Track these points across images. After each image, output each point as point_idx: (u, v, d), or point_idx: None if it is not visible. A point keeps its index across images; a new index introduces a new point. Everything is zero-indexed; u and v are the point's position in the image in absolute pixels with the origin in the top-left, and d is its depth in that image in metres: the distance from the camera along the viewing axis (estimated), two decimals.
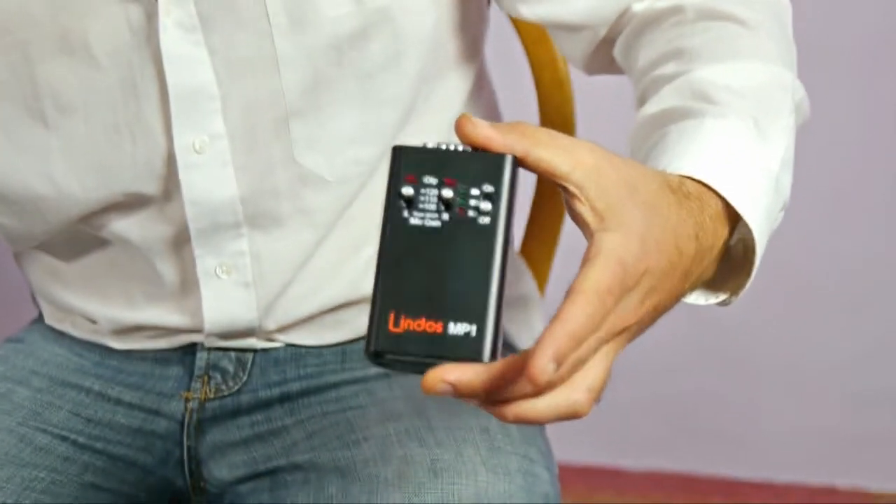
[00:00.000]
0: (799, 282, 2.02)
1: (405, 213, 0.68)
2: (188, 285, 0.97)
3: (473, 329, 0.66)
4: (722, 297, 0.80)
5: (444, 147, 0.69)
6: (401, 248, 0.68)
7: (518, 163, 0.68)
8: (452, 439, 0.93)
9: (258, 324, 0.98)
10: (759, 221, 0.77)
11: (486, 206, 0.67)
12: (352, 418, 0.98)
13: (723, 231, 0.75)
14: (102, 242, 0.97)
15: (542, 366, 0.63)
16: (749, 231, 0.77)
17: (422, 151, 0.69)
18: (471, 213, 0.67)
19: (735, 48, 0.87)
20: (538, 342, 0.63)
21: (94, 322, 1.02)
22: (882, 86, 1.91)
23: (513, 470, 0.94)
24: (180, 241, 0.95)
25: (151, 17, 0.86)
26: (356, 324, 1.02)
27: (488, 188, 0.68)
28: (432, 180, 0.68)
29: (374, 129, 0.95)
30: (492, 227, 0.67)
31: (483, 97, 1.05)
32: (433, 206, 0.68)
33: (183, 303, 0.98)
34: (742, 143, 0.79)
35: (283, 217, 0.95)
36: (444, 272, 0.67)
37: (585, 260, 0.67)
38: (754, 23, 0.89)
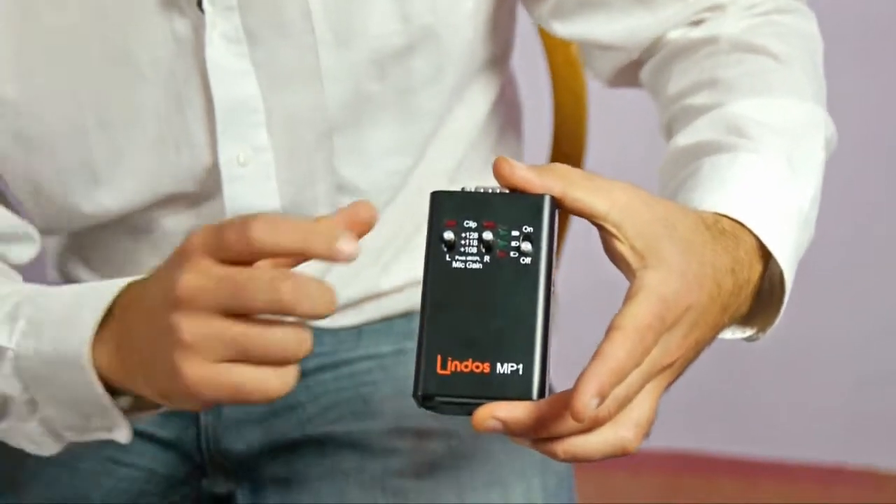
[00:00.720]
0: (808, 263, 2.02)
1: (447, 258, 0.68)
2: None
3: (521, 368, 0.67)
4: (749, 332, 0.81)
5: (482, 190, 0.69)
6: (444, 292, 0.68)
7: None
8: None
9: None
10: (790, 260, 0.78)
11: (526, 246, 0.68)
12: (366, 394, 0.99)
13: (758, 266, 0.76)
14: (131, 229, 0.97)
15: (585, 402, 0.64)
16: (779, 268, 0.77)
17: (460, 196, 0.69)
18: (512, 255, 0.68)
19: (769, 83, 0.87)
20: (580, 379, 0.64)
21: None
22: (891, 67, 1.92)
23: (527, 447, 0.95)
24: None
25: (198, 29, 0.86)
26: (373, 311, 1.03)
27: (528, 229, 0.68)
28: (472, 224, 0.69)
29: (410, 140, 0.95)
30: (534, 266, 0.68)
31: (506, 98, 1.05)
32: (474, 249, 0.68)
33: None
34: (775, 180, 0.80)
35: None
36: (489, 313, 0.68)
37: (627, 297, 0.68)
38: (788, 57, 0.89)
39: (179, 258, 0.69)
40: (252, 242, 0.66)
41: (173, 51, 0.87)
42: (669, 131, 0.92)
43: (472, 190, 0.69)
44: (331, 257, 0.66)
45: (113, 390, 0.77)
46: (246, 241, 0.66)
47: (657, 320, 0.67)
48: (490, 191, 0.69)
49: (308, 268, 0.99)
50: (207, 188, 0.92)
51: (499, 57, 1.00)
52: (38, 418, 0.82)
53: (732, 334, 0.80)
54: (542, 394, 0.67)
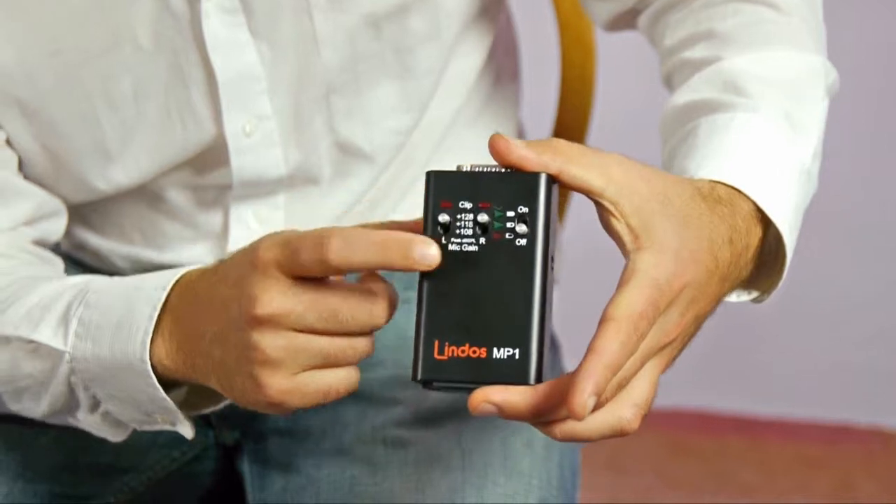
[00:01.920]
0: (816, 221, 2.02)
1: (443, 240, 0.68)
2: (217, 231, 0.98)
3: (517, 352, 0.67)
4: (754, 294, 0.81)
5: (477, 169, 0.68)
6: (441, 276, 0.68)
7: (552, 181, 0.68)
8: None
9: None
10: (791, 222, 0.77)
11: (521, 228, 0.67)
12: None
13: (756, 231, 0.76)
14: (138, 196, 0.97)
15: (583, 402, 0.64)
16: (779, 231, 0.77)
17: (456, 176, 0.69)
18: (507, 236, 0.67)
19: (767, 35, 0.87)
20: (576, 377, 0.65)
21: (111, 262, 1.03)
22: None
23: None
24: (216, 196, 0.96)
25: (192, 2, 0.86)
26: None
27: (523, 209, 0.67)
28: (467, 205, 0.68)
29: (410, 99, 0.95)
30: (529, 248, 0.67)
31: (502, 45, 1.05)
32: (469, 231, 0.68)
33: (209, 247, 0.99)
34: (774, 140, 0.79)
35: (320, 179, 0.96)
36: (485, 297, 0.67)
37: (621, 282, 0.67)
38: (786, 6, 0.88)
39: (251, 272, 0.71)
40: (329, 263, 0.68)
41: (171, 26, 0.87)
42: (669, 83, 0.92)
43: (468, 169, 0.69)
44: (409, 267, 0.68)
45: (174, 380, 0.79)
46: (323, 263, 0.68)
47: (651, 307, 0.67)
48: (486, 169, 0.68)
49: (312, 224, 0.99)
50: (214, 157, 0.93)
51: (491, 4, 1.00)
52: (101, 412, 0.84)
53: (738, 297, 0.80)
54: (538, 378, 0.67)
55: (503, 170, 0.68)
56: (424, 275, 0.68)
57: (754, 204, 0.76)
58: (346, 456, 0.95)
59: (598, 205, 0.69)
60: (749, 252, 0.75)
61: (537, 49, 1.24)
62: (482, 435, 0.92)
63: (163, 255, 0.99)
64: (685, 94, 0.85)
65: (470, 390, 0.67)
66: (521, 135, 1.10)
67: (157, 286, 0.79)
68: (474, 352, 0.67)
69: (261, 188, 0.95)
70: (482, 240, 0.68)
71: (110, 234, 1.01)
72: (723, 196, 0.74)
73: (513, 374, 0.67)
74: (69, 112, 0.90)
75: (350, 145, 0.95)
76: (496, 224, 0.68)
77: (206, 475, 1.05)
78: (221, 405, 0.83)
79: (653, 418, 2.33)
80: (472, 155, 1.00)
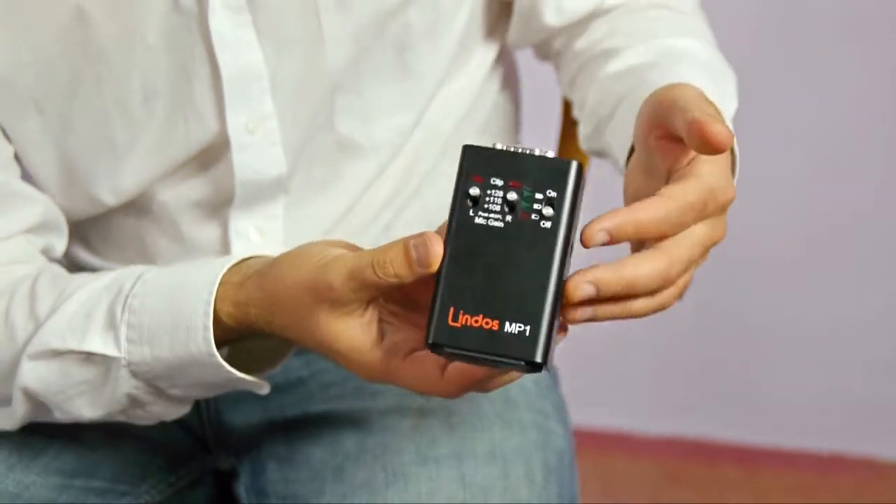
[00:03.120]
0: (812, 248, 2.02)
1: (471, 212, 0.70)
2: (216, 248, 0.98)
3: (528, 329, 0.69)
4: None
5: (512, 149, 0.70)
6: (465, 246, 0.70)
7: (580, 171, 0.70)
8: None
9: None
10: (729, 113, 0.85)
11: (548, 211, 0.69)
12: None
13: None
14: (133, 208, 0.97)
15: (592, 231, 0.69)
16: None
17: (490, 152, 0.70)
18: (533, 217, 0.69)
19: (689, 28, 0.94)
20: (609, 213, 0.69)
21: None
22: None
23: (528, 424, 0.96)
24: (215, 205, 0.96)
25: (200, 0, 0.87)
26: None
27: (552, 193, 0.69)
28: (498, 181, 0.70)
29: (410, 97, 0.96)
30: (553, 230, 0.69)
31: (505, 60, 1.06)
32: (497, 207, 0.70)
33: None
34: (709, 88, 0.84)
35: (318, 183, 0.97)
36: (505, 272, 0.69)
37: (674, 178, 0.72)
38: (689, 10, 0.96)
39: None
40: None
41: (178, 23, 0.87)
42: (578, 78, 0.97)
43: (503, 148, 0.70)
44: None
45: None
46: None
47: (700, 203, 0.70)
48: (521, 150, 0.70)
49: (306, 236, 1.00)
50: (212, 157, 0.93)
51: (495, 23, 1.01)
52: (164, 399, 0.86)
53: None
54: (544, 358, 0.69)
55: (537, 152, 0.70)
56: (448, 242, 0.70)
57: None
58: (346, 483, 0.94)
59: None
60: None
61: (538, 64, 1.24)
62: (483, 468, 0.92)
63: None
64: (618, 63, 0.91)
65: (476, 362, 0.70)
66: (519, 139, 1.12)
67: (204, 282, 0.81)
68: (487, 323, 0.69)
69: (261, 192, 0.95)
70: (508, 217, 0.69)
71: (108, 255, 1.01)
72: None
73: (520, 349, 0.68)
74: (82, 111, 0.90)
75: (348, 143, 0.96)
76: (524, 204, 0.69)
77: (204, 500, 1.05)
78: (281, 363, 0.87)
79: (646, 446, 2.32)
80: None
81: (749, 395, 2.11)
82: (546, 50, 1.03)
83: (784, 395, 2.09)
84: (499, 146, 0.70)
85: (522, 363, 0.69)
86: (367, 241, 1.00)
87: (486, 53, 1.02)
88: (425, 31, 0.94)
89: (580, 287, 0.69)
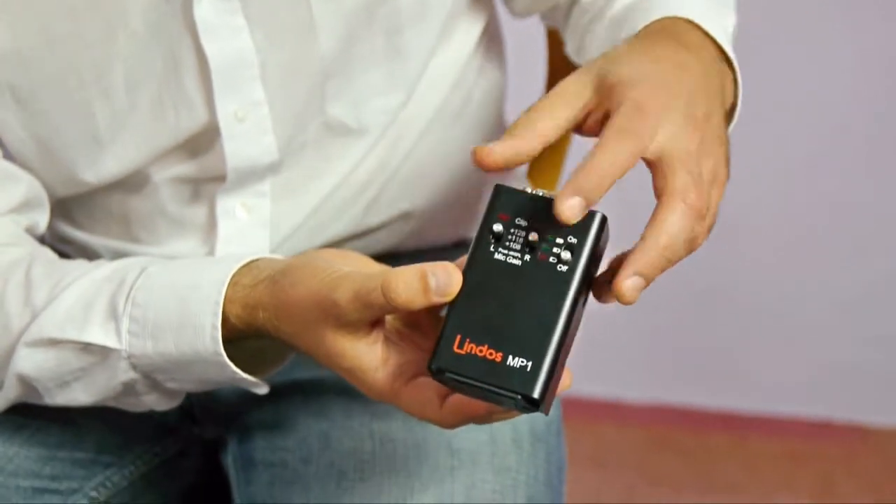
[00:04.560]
0: (805, 220, 2.02)
1: (491, 247, 0.71)
2: (203, 224, 0.98)
3: (529, 365, 0.69)
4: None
5: (541, 194, 0.72)
6: (480, 278, 0.71)
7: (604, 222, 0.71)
8: None
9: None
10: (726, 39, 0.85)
11: (566, 255, 0.70)
12: None
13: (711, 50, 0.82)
14: (121, 187, 0.97)
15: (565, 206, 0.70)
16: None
17: (520, 195, 0.72)
18: (551, 259, 0.71)
19: None
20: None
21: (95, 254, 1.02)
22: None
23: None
24: (203, 184, 0.96)
25: None
26: (359, 249, 1.02)
27: (573, 240, 0.71)
28: (523, 222, 0.71)
29: (400, 77, 0.96)
30: (569, 274, 0.70)
31: (489, 34, 1.06)
32: (518, 246, 0.71)
33: (196, 241, 0.99)
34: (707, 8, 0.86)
35: (307, 165, 0.97)
36: (516, 308, 0.70)
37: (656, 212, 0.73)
38: None
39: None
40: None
41: (164, 11, 0.87)
42: (587, 36, 0.97)
43: (533, 192, 0.72)
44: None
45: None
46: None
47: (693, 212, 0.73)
48: (551, 196, 0.71)
49: (292, 213, 0.99)
50: (203, 144, 0.93)
51: None
52: (159, 391, 0.87)
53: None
54: (542, 395, 0.69)
55: None
56: (466, 273, 0.71)
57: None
58: (333, 450, 0.94)
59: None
60: (714, 62, 0.82)
61: (523, 38, 1.23)
62: (470, 432, 0.92)
63: (149, 250, 0.99)
64: (619, 4, 0.92)
65: (475, 392, 0.70)
66: (504, 124, 1.11)
67: (214, 282, 0.81)
68: (490, 353, 0.70)
69: (252, 176, 0.94)
70: (527, 256, 0.71)
71: (93, 230, 1.00)
72: (667, 26, 0.81)
73: (520, 383, 0.69)
74: (62, 101, 0.89)
75: (338, 125, 0.96)
76: (544, 246, 0.71)
77: (190, 470, 1.05)
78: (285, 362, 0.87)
79: (635, 413, 2.33)
80: (456, 145, 1.01)
81: (736, 363, 2.11)
82: (554, 15, 1.03)
83: (771, 363, 2.10)
84: (529, 190, 0.72)
85: (519, 397, 0.69)
86: (353, 216, 1.00)
87: (472, 25, 1.02)
88: (414, 13, 0.94)
89: (626, 283, 0.70)
